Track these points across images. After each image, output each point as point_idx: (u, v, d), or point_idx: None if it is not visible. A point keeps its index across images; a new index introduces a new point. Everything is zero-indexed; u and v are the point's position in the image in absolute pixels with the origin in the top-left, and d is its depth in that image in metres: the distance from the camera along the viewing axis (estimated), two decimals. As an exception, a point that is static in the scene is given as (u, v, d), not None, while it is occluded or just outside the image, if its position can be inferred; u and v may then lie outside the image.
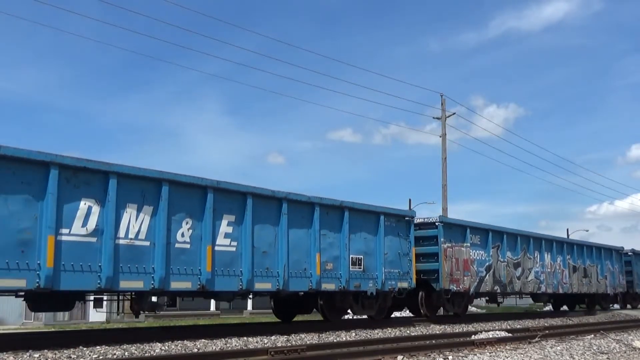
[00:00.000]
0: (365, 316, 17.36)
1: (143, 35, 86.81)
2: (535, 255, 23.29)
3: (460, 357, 10.36)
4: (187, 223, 11.93)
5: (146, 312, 13.40)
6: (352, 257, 15.27)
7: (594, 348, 12.51)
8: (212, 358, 9.47)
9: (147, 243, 11.26)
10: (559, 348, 12.07)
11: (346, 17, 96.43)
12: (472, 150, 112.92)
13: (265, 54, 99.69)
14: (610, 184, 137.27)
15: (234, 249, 12.70)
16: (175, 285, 11.62)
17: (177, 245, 11.71)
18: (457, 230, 19.28)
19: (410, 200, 46.20)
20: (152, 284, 11.24)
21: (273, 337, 12.34)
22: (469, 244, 19.53)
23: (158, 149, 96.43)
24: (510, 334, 14.09)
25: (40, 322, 29.82)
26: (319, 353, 10.13)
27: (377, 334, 14.36)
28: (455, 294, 19.00)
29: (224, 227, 12.59)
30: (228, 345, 11.19)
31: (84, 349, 9.77)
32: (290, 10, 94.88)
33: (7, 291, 9.83)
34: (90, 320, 30.46)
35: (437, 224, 18.58)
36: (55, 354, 9.21)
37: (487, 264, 20.38)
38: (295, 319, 17.47)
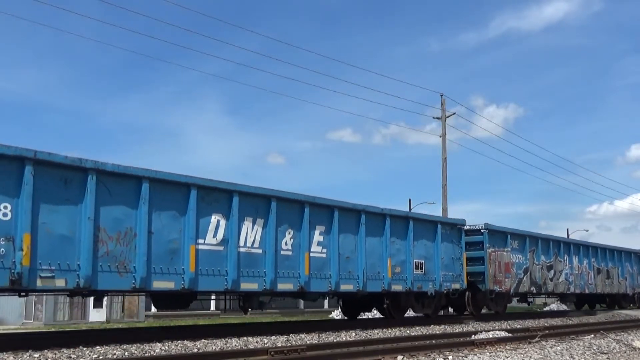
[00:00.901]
0: (414, 314, 19.25)
1: (143, 35, 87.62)
2: (565, 259, 25.21)
3: (460, 357, 10.33)
4: (289, 233, 13.87)
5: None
6: (415, 262, 17.20)
7: (594, 348, 12.44)
8: (212, 358, 9.43)
9: (260, 251, 13.21)
10: (559, 348, 11.99)
11: (346, 17, 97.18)
12: (472, 150, 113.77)
13: (266, 54, 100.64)
14: (610, 184, 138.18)
15: (324, 255, 14.64)
16: (282, 287, 13.58)
17: (282, 252, 13.66)
18: (499, 236, 21.21)
19: (410, 200, 45.63)
20: (264, 285, 13.19)
21: (273, 337, 12.35)
22: (509, 249, 21.46)
23: (158, 149, 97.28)
24: (510, 334, 14.04)
25: (40, 322, 29.92)
26: (319, 353, 10.09)
27: (377, 334, 14.48)
28: (498, 294, 20.94)
29: (317, 236, 14.53)
30: (228, 345, 11.16)
31: (84, 349, 9.78)
32: (290, 10, 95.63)
33: (159, 291, 11.77)
34: (90, 320, 30.66)
35: (482, 230, 20.49)
36: (55, 354, 9.17)
37: (524, 266, 22.31)
38: (296, 318, 18.86)
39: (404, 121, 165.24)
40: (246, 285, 12.90)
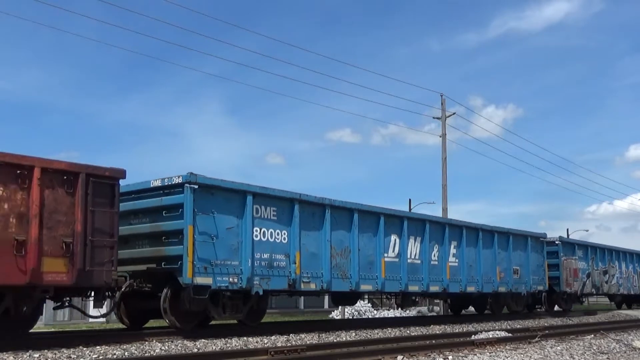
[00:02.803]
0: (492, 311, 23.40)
1: (144, 36, 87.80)
2: (616, 264, 29.47)
3: (460, 357, 10.33)
4: (435, 247, 18.10)
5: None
6: (513, 268, 21.44)
7: (594, 348, 12.42)
8: (212, 358, 9.46)
9: (419, 261, 17.44)
10: (559, 348, 11.97)
11: (346, 17, 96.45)
12: (471, 150, 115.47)
13: (266, 54, 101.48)
14: (610, 184, 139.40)
15: (457, 264, 18.87)
16: (432, 289, 17.79)
17: (432, 262, 17.88)
18: (569, 246, 25.50)
19: (410, 200, 44.46)
20: (423, 288, 17.43)
21: (273, 337, 12.38)
22: (576, 257, 25.70)
23: (158, 149, 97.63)
24: (510, 334, 14.16)
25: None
26: (319, 353, 10.10)
27: (377, 334, 14.67)
28: (568, 294, 25.21)
29: (452, 249, 18.76)
30: (228, 345, 11.18)
31: (84, 349, 9.80)
32: (290, 10, 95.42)
33: (364, 292, 16.02)
34: (90, 320, 30.39)
35: (557, 242, 24.77)
36: (55, 354, 9.19)
37: (587, 271, 26.57)
38: (296, 318, 20.02)
39: (404, 121, 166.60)
40: (412, 288, 17.14)
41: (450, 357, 10.22)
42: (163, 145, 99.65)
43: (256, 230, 13.12)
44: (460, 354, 10.66)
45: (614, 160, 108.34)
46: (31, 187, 9.83)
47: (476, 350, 11.29)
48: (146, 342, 10.92)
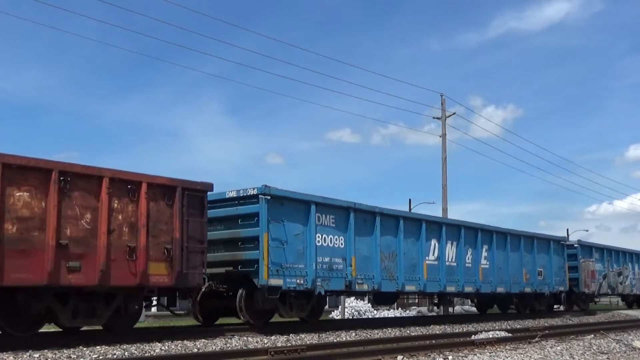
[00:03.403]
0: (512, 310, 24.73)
1: (144, 36, 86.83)
2: (629, 266, 30.87)
3: (460, 357, 10.33)
4: (469, 251, 19.46)
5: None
6: (537, 270, 22.82)
7: (594, 348, 12.41)
8: (212, 358, 9.51)
9: (455, 264, 18.81)
10: (559, 348, 11.96)
11: (346, 17, 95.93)
12: (471, 150, 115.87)
13: (266, 54, 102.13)
14: (610, 184, 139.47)
15: (488, 266, 20.23)
16: (466, 289, 19.17)
17: (466, 264, 19.24)
18: (587, 249, 26.91)
19: (410, 200, 44.19)
20: (459, 288, 18.80)
21: (273, 337, 12.41)
22: (594, 259, 27.09)
23: (159, 149, 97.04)
24: (510, 334, 14.19)
25: None
26: (319, 353, 10.11)
27: (377, 334, 14.66)
28: (586, 295, 26.61)
29: (484, 252, 20.12)
30: (228, 345, 11.21)
31: (84, 349, 9.82)
32: (290, 10, 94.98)
33: (408, 292, 17.41)
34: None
35: (575, 245, 26.19)
36: (55, 354, 9.22)
37: (603, 273, 27.97)
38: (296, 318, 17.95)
39: (403, 121, 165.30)
40: (449, 289, 18.52)
41: (450, 357, 10.28)
42: (163, 145, 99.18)
43: (318, 236, 14.49)
44: (460, 354, 10.71)
45: (613, 160, 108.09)
46: (139, 200, 11.21)
47: (476, 350, 11.32)
48: (146, 342, 10.88)
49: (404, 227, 16.89)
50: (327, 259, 14.67)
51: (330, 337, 13.05)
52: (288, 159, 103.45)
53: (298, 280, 13.93)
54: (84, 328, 11.90)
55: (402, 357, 9.97)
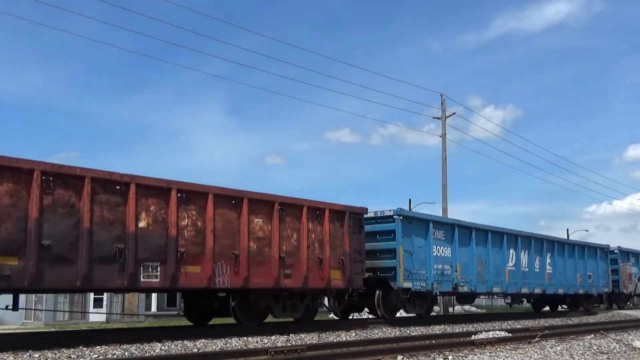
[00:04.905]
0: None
1: (144, 36, 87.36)
2: (658, 269, 34.48)
3: (460, 357, 10.34)
4: (537, 258, 23.01)
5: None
6: (588, 274, 26.38)
7: (594, 348, 12.46)
8: (212, 358, 9.56)
9: (527, 269, 22.36)
10: (559, 348, 12.01)
11: (347, 17, 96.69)
12: (471, 150, 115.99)
13: (266, 54, 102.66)
14: (609, 184, 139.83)
15: (551, 270, 23.77)
16: (536, 291, 22.70)
17: (535, 269, 22.78)
18: (625, 254, 30.56)
19: (410, 200, 44.74)
20: (530, 290, 22.35)
21: (273, 337, 12.56)
22: (630, 263, 30.70)
23: (159, 149, 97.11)
24: (510, 334, 14.27)
25: (40, 322, 30.07)
26: (319, 353, 10.18)
27: (377, 334, 14.85)
28: (625, 295, 30.22)
29: (548, 258, 23.66)
30: (228, 345, 11.28)
31: (84, 349, 9.88)
32: (291, 10, 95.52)
33: (495, 293, 20.94)
34: (90, 320, 30.14)
35: (615, 251, 29.81)
36: (55, 354, 9.27)
37: (637, 274, 31.56)
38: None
39: (403, 121, 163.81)
40: (524, 290, 22.07)
41: (450, 357, 10.31)
42: (163, 145, 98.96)
43: (434, 248, 18.02)
44: (460, 354, 10.74)
45: (613, 160, 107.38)
46: (324, 222, 14.73)
47: (476, 350, 11.37)
48: (146, 342, 11.04)
49: (491, 239, 20.43)
50: (440, 266, 18.19)
51: (330, 337, 13.26)
52: (288, 159, 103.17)
53: (421, 283, 17.45)
54: (83, 327, 12.46)
55: (402, 357, 10.04)
